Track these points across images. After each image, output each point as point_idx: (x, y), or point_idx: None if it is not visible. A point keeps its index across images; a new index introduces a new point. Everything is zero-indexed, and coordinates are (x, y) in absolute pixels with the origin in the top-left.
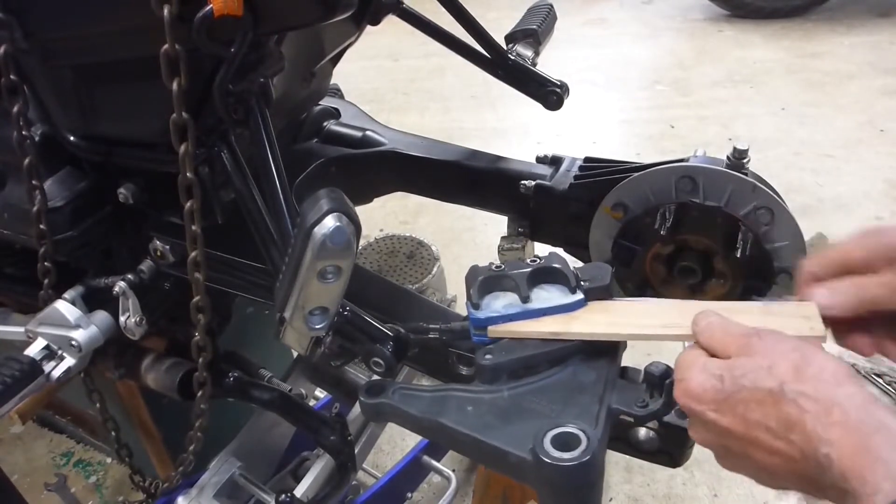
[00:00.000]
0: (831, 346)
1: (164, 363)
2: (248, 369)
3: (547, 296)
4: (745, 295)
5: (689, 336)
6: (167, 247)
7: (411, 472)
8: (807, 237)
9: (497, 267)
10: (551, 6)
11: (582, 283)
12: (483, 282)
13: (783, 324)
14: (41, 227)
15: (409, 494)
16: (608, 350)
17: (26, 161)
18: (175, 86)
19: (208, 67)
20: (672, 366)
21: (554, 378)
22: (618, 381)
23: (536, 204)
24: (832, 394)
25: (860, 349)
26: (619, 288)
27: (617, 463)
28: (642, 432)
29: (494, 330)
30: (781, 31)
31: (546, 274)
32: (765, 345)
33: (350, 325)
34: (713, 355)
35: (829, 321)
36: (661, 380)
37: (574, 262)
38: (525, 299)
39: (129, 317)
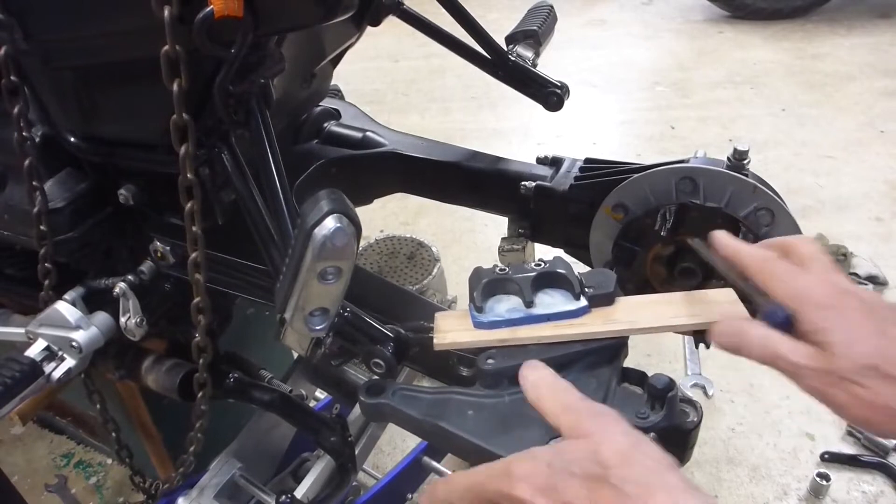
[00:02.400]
0: None
1: (164, 364)
2: (249, 370)
3: (550, 301)
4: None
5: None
6: (168, 248)
7: (412, 473)
8: None
9: (501, 270)
10: (552, 7)
11: (586, 289)
12: (487, 284)
13: (707, 309)
14: (41, 228)
15: (409, 495)
16: (610, 358)
17: (27, 162)
18: (175, 87)
19: (208, 68)
20: (673, 378)
21: None
22: (619, 387)
23: (537, 205)
24: (657, 480)
25: None
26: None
27: None
28: None
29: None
30: (782, 33)
31: (550, 279)
32: (596, 426)
33: (350, 326)
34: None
35: None
36: (662, 392)
37: (577, 266)
38: (529, 304)
39: (129, 318)
